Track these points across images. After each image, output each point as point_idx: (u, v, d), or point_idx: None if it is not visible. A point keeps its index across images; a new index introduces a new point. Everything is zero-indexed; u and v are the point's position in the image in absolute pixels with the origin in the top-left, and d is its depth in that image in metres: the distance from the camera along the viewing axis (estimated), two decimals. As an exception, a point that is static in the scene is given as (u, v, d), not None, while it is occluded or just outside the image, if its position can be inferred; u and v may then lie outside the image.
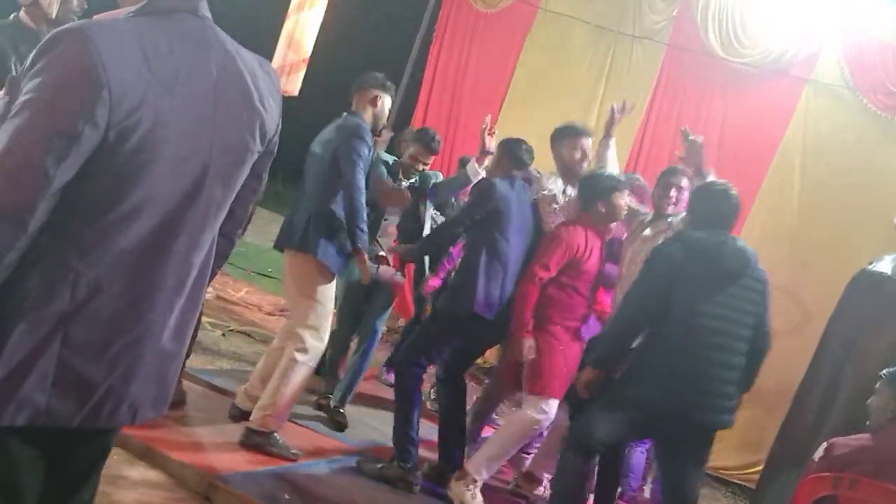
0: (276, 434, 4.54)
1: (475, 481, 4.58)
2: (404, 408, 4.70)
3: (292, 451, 4.55)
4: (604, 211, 4.71)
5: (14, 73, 3.88)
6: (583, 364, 4.47)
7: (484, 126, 5.34)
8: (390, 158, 5.79)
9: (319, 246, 4.59)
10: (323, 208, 4.66)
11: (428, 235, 5.64)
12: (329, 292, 4.70)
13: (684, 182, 4.95)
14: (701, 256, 4.02)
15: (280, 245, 4.77)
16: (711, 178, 4.65)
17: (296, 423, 5.05)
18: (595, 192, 4.73)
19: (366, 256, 4.71)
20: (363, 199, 4.64)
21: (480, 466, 4.62)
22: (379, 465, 4.66)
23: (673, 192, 4.96)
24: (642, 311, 4.12)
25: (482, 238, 4.71)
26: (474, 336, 4.87)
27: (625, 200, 4.80)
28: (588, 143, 5.07)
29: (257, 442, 4.50)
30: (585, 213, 4.76)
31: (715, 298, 3.99)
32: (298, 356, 4.57)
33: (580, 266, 4.60)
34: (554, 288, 4.63)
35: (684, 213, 4.74)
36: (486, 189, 4.77)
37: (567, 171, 5.02)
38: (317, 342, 4.64)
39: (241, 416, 4.80)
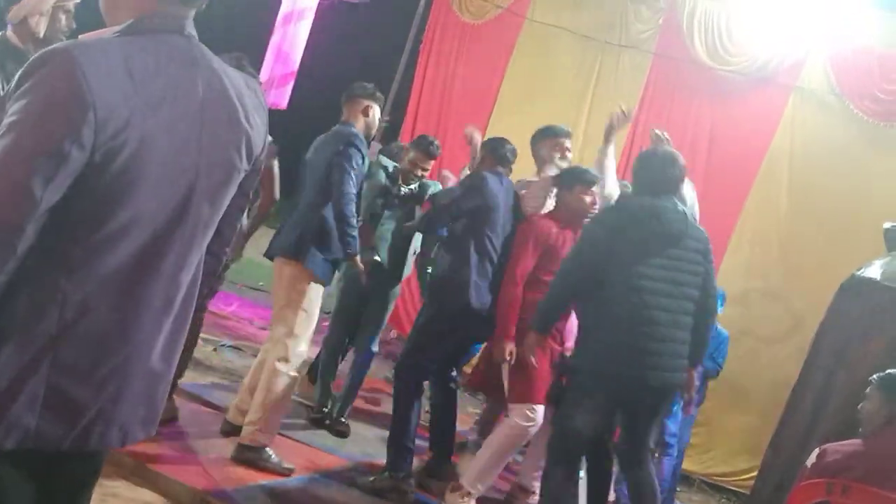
0: (268, 448, 4.52)
1: (469, 493, 4.58)
2: (402, 415, 4.69)
3: (285, 466, 4.53)
4: (573, 205, 4.74)
5: (1, 91, 3.87)
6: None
7: (469, 135, 5.37)
8: (390, 164, 5.78)
9: (309, 254, 4.60)
10: (314, 216, 4.66)
11: (414, 225, 5.58)
12: (316, 301, 4.70)
13: None
14: (639, 221, 4.07)
15: (271, 253, 4.79)
16: None
17: (288, 437, 5.03)
18: (568, 182, 4.78)
19: (358, 259, 4.75)
20: (352, 207, 4.64)
21: (474, 479, 4.61)
22: (371, 479, 4.65)
23: None
24: (573, 281, 4.21)
25: (470, 232, 4.73)
26: (468, 332, 4.88)
27: (594, 199, 4.78)
28: (567, 143, 5.13)
29: (250, 457, 4.48)
30: (556, 207, 4.83)
31: (656, 261, 4.03)
32: (280, 366, 4.56)
33: (556, 257, 4.56)
34: (533, 292, 4.60)
35: None
36: (477, 182, 4.78)
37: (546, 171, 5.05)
38: (299, 351, 4.63)
39: (233, 431, 4.78)
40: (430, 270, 5.68)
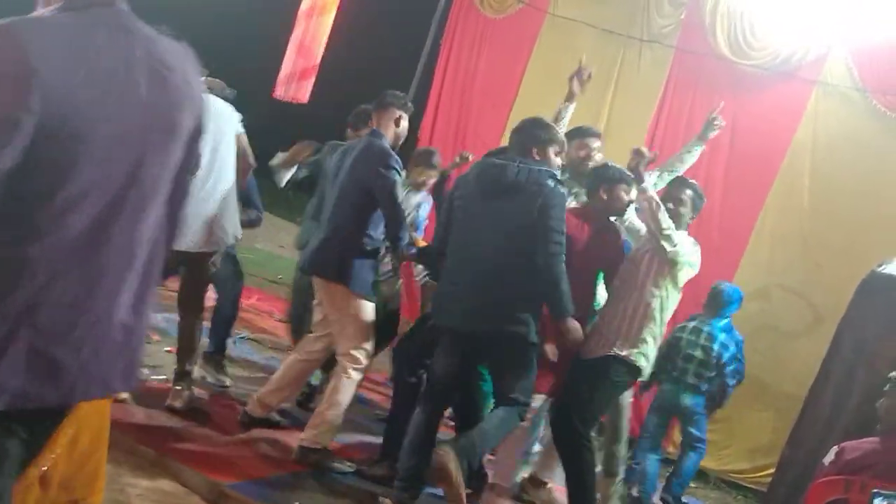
0: (329, 449, 4.62)
1: (506, 489, 4.77)
2: (401, 416, 4.74)
3: (347, 464, 4.66)
4: (605, 198, 4.74)
5: None
6: None
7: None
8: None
9: (354, 277, 4.61)
10: (357, 240, 4.65)
11: None
12: (369, 308, 4.72)
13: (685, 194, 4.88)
14: (480, 175, 4.33)
15: (314, 272, 4.77)
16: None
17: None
18: (600, 179, 4.78)
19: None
20: (406, 233, 4.73)
21: (502, 474, 4.84)
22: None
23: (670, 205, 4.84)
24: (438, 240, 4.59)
25: None
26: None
27: (629, 196, 4.78)
28: (595, 143, 5.19)
29: (316, 460, 4.55)
30: (588, 203, 4.85)
31: (482, 211, 4.25)
32: (355, 375, 4.65)
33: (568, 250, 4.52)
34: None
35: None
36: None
37: (574, 170, 5.11)
38: (368, 354, 4.71)
39: (252, 423, 4.82)
40: None
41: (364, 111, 5.31)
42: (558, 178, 4.30)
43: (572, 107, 5.29)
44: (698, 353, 5.87)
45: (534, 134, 4.39)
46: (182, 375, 4.86)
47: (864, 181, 7.03)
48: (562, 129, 5.09)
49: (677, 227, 4.74)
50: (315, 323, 5.06)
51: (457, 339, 4.34)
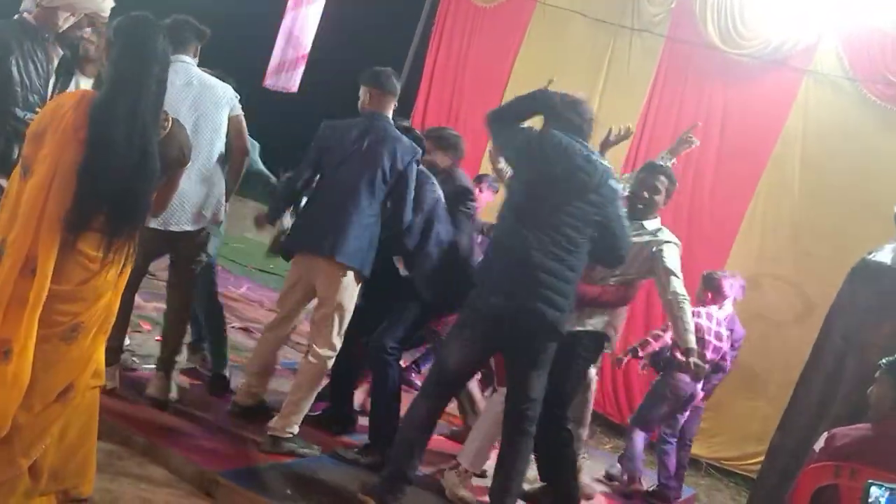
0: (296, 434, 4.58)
1: (467, 472, 4.65)
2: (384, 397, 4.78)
3: (313, 445, 4.63)
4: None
5: (14, 68, 3.96)
6: None
7: None
8: None
9: (368, 264, 4.61)
10: (375, 226, 4.64)
11: None
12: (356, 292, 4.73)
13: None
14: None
15: (338, 257, 4.53)
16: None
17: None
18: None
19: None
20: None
21: (470, 457, 4.68)
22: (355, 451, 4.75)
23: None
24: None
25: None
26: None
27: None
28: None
29: (289, 448, 4.50)
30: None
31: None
32: (330, 362, 4.63)
33: None
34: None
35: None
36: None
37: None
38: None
39: (242, 412, 4.81)
40: None
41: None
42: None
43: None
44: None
45: (577, 125, 4.27)
46: (163, 363, 4.73)
47: (855, 170, 7.06)
48: None
49: (651, 214, 4.80)
50: (283, 301, 4.89)
51: (485, 330, 4.13)
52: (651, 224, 4.80)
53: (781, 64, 7.52)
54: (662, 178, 4.87)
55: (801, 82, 7.45)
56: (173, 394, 4.73)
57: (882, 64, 7.10)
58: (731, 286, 6.04)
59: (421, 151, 4.79)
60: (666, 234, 4.77)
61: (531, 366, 4.09)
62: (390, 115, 4.80)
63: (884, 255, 4.73)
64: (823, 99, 7.37)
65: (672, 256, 4.66)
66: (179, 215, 4.54)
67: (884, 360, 3.79)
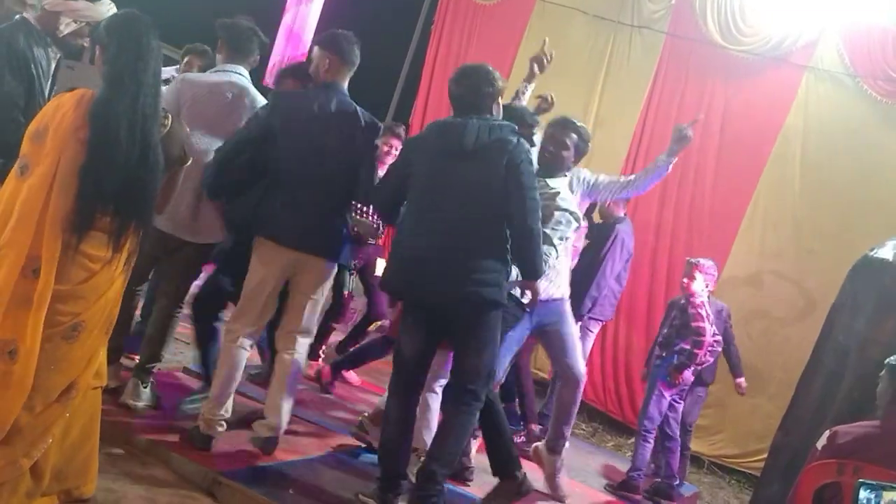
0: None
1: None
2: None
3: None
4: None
5: (35, 76, 3.96)
6: None
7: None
8: None
9: (345, 254, 4.52)
10: (346, 215, 4.54)
11: None
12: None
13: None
14: (440, 135, 4.07)
15: (321, 252, 4.34)
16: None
17: (300, 418, 5.02)
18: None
19: None
20: None
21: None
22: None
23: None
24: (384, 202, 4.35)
25: None
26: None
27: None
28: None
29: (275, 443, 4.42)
30: None
31: (443, 172, 3.98)
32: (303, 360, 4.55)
33: None
34: None
35: None
36: None
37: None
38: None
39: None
40: None
41: None
42: (518, 131, 4.09)
43: (531, 87, 5.18)
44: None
45: (485, 92, 4.12)
46: (138, 371, 4.55)
47: (856, 166, 7.05)
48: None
49: (558, 172, 4.72)
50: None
51: (421, 314, 4.08)
52: (556, 182, 4.66)
53: (782, 60, 7.51)
54: (573, 134, 4.76)
55: (802, 79, 7.45)
56: (145, 402, 4.52)
57: (882, 60, 7.09)
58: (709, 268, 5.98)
59: (380, 128, 4.60)
60: (566, 203, 4.67)
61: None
62: (345, 87, 4.39)
63: (886, 252, 4.72)
64: (824, 95, 7.37)
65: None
66: (190, 224, 4.44)
67: (890, 359, 3.75)
